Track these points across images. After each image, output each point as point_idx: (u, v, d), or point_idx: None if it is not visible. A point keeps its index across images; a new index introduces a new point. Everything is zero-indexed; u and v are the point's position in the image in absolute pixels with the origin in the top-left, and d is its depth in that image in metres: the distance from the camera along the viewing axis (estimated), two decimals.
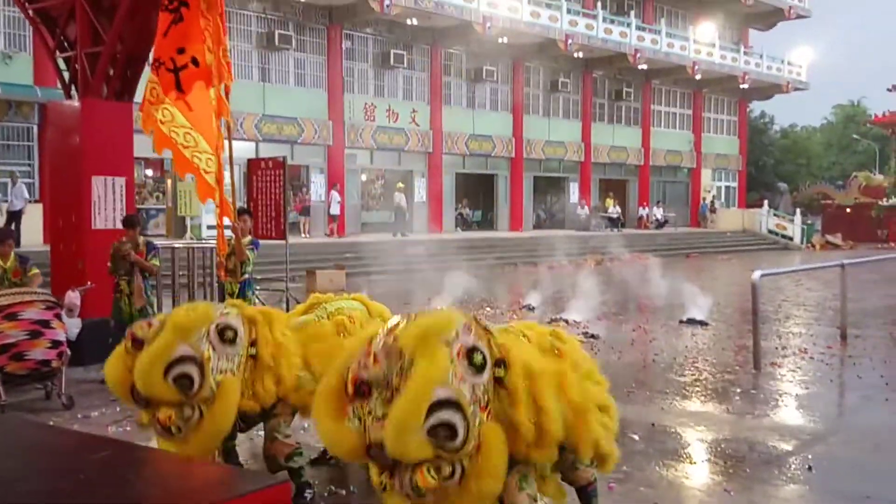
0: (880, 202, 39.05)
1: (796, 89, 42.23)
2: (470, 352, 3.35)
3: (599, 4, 33.50)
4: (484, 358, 3.37)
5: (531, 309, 13.69)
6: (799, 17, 42.03)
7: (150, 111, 7.40)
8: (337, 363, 3.53)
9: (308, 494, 4.84)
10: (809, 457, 5.86)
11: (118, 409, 7.28)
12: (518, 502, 3.63)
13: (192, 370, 4.12)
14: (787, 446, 6.17)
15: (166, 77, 7.08)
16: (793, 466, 5.67)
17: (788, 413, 7.27)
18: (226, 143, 7.39)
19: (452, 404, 3.22)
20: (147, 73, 10.06)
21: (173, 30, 7.12)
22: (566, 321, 12.09)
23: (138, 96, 10.04)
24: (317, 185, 26.88)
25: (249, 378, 4.45)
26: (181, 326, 4.20)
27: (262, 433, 5.91)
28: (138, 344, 4.23)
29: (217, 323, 4.34)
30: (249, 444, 5.88)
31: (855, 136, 57.67)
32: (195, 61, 6.93)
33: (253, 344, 4.51)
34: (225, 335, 4.34)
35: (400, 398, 3.21)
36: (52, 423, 6.42)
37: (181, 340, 4.16)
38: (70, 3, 9.61)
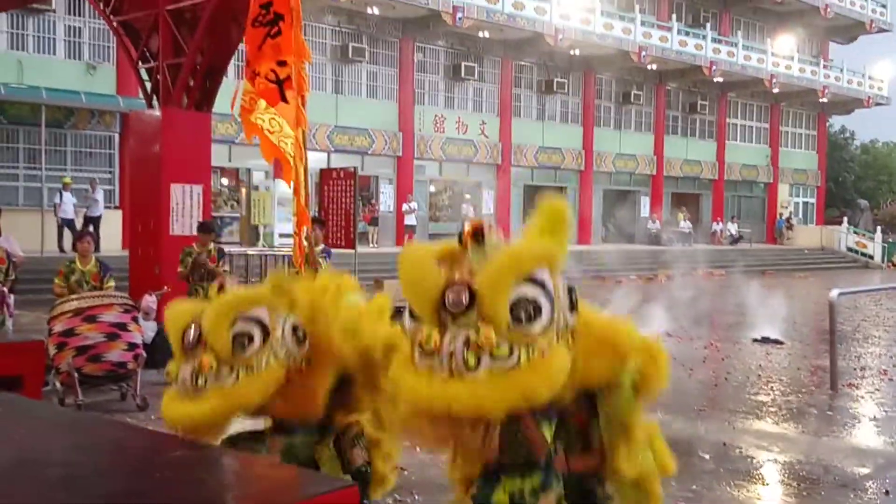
0: None
1: (878, 104, 41.01)
2: (570, 289, 3.26)
3: (674, 16, 33.09)
4: (578, 304, 3.27)
5: None
6: (881, 30, 40.86)
7: (248, 119, 7.61)
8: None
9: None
10: (887, 480, 5.66)
11: None
12: None
13: (257, 335, 4.08)
14: (863, 469, 5.97)
15: (269, 88, 7.26)
16: (870, 490, 5.48)
17: (866, 435, 7.03)
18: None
19: (548, 292, 3.08)
20: (224, 84, 10.39)
21: (269, 43, 7.31)
22: None
23: (217, 107, 10.35)
24: (386, 196, 27.12)
25: (302, 380, 4.42)
26: (271, 299, 4.23)
27: None
28: (222, 292, 4.33)
29: (294, 322, 4.40)
30: None
31: None
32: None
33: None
34: (297, 333, 4.39)
35: (511, 246, 3.12)
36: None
37: (265, 306, 4.19)
38: (153, 15, 9.91)
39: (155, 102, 10.18)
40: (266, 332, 4.12)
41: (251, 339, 4.05)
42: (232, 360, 4.03)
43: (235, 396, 4.04)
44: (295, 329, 4.34)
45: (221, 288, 4.31)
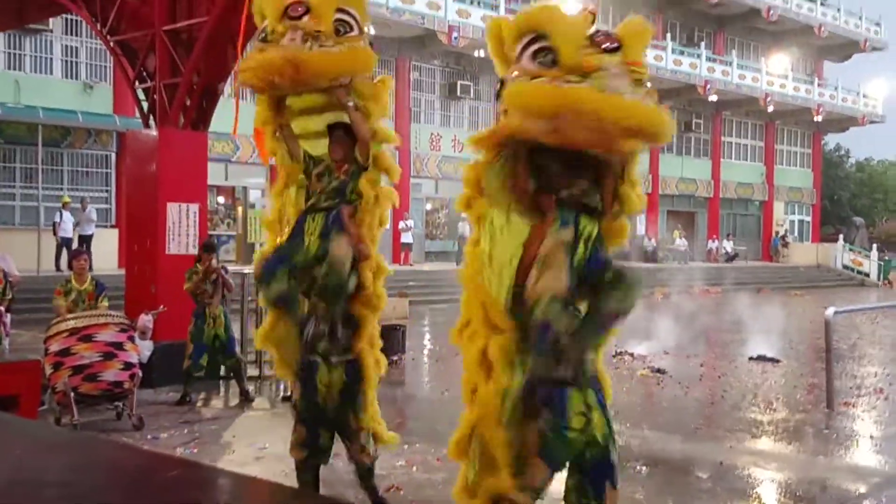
0: None
1: (872, 122, 41.27)
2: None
3: (669, 36, 33.30)
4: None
5: None
6: (874, 49, 41.15)
7: (262, 141, 7.67)
8: None
9: None
10: (883, 499, 5.67)
11: (186, 430, 7.43)
12: None
13: (354, 27, 4.91)
14: (860, 488, 5.97)
15: None
16: None
17: (862, 454, 7.03)
18: None
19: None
20: (221, 103, 10.43)
21: None
22: (631, 354, 11.92)
23: (213, 126, 10.39)
24: None
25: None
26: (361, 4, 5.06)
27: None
28: None
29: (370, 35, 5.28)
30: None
31: None
32: None
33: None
34: (371, 42, 5.18)
35: None
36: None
37: (357, 8, 5.02)
38: (150, 35, 9.96)
39: (151, 122, 10.21)
40: (361, 29, 4.99)
41: (350, 27, 4.91)
42: (332, 37, 4.79)
43: (337, 56, 4.74)
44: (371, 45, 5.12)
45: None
